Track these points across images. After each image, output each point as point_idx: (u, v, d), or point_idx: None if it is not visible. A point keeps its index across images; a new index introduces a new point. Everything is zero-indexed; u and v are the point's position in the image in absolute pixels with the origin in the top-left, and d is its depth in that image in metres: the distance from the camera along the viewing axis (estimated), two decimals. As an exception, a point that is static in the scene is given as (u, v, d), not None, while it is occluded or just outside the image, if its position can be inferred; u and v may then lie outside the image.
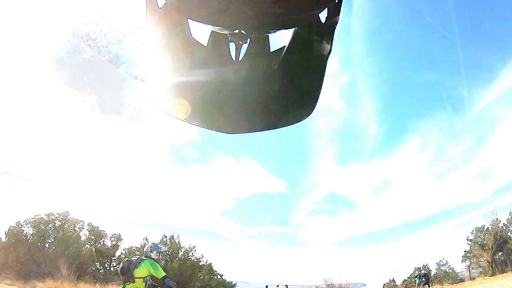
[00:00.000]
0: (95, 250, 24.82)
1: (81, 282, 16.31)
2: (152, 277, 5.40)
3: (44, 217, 24.51)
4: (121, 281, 5.45)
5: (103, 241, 25.64)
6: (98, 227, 25.99)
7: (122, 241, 26.21)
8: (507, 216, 28.67)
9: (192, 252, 24.04)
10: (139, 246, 24.06)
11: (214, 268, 29.37)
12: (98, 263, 25.11)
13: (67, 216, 25.42)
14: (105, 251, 24.99)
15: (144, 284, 5.35)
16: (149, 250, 5.62)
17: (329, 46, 0.91)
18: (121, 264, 5.53)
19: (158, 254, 5.67)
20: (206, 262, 27.32)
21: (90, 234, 25.35)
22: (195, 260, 23.99)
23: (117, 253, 25.69)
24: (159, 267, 5.49)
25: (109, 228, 26.29)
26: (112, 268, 25.34)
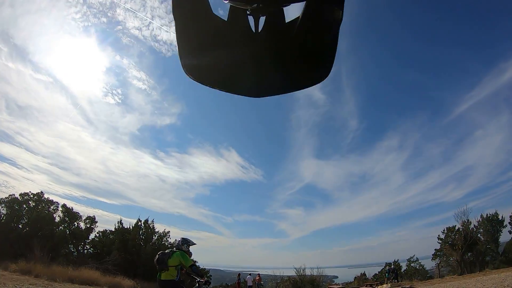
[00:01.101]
0: (69, 232, 24.77)
1: (54, 264, 16.23)
2: (182, 265, 6.52)
3: (18, 197, 24.36)
4: (157, 271, 6.45)
5: (77, 223, 25.59)
6: (72, 208, 26.02)
7: (96, 224, 26.20)
8: (478, 218, 29.38)
9: (166, 237, 24.14)
10: (113, 230, 24.10)
11: (188, 254, 29.96)
12: (72, 246, 25.01)
13: (41, 197, 25.30)
14: (79, 233, 24.91)
15: (176, 271, 6.47)
16: (180, 244, 6.73)
17: (340, 15, 0.99)
18: (156, 256, 6.47)
19: (187, 246, 6.86)
20: (181, 247, 27.72)
21: (64, 216, 25.23)
22: (169, 245, 24.07)
23: (91, 236, 25.74)
24: (188, 257, 6.74)
25: (83, 210, 26.31)
26: (85, 251, 25.40)
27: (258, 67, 1.11)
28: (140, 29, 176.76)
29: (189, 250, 6.90)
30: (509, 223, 29.16)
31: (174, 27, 1.02)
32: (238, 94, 1.15)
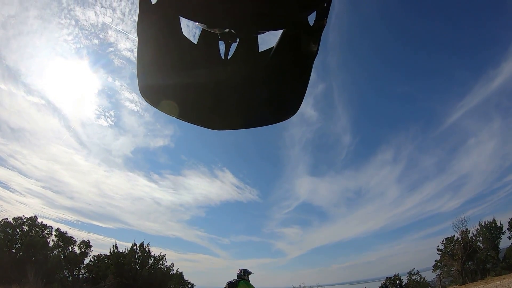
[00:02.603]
0: (64, 256, 24.13)
1: None
2: None
3: (12, 221, 23.85)
4: None
5: (71, 247, 24.99)
6: (66, 232, 25.40)
7: (91, 248, 25.56)
8: (477, 226, 29.38)
9: (162, 260, 23.64)
10: (108, 254, 23.66)
11: (185, 277, 29.20)
12: (67, 270, 24.27)
13: (35, 221, 24.79)
14: (73, 258, 24.28)
15: None
16: (242, 274, 8.18)
17: (316, 49, 0.96)
18: (225, 284, 7.91)
19: (247, 275, 8.25)
20: (177, 271, 27.07)
21: (58, 240, 24.64)
22: (166, 269, 23.62)
23: (86, 260, 25.07)
24: (251, 284, 8.12)
25: (78, 234, 25.87)
26: (80, 276, 24.79)
27: (221, 96, 1.05)
28: (131, 51, 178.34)
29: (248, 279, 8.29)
30: (508, 229, 29.08)
31: (137, 43, 0.95)
32: (195, 124, 1.09)
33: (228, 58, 1.02)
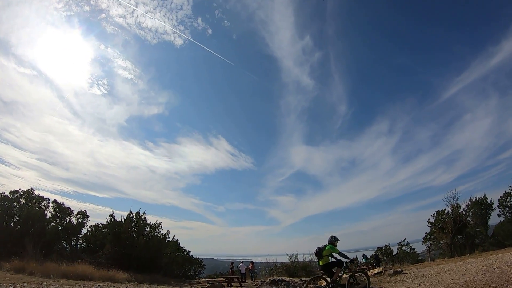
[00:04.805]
0: (61, 227, 24.42)
1: (47, 260, 16.03)
2: (332, 254, 9.54)
3: (9, 195, 23.96)
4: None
5: (69, 218, 25.27)
6: (63, 204, 25.68)
7: (88, 218, 25.94)
8: (467, 202, 29.93)
9: (158, 228, 23.85)
10: (105, 223, 23.90)
11: (181, 245, 29.91)
12: (65, 241, 24.74)
13: (32, 194, 24.91)
14: (71, 228, 24.65)
15: (328, 259, 9.65)
16: (330, 239, 9.77)
17: None
18: (315, 250, 9.87)
19: (336, 242, 9.73)
20: (173, 238, 27.63)
21: (55, 211, 24.88)
22: (162, 237, 23.92)
23: (84, 231, 25.45)
24: (335, 247, 9.52)
25: (74, 205, 25.91)
26: (78, 246, 25.20)
27: None
28: (124, 17, 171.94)
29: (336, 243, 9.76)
30: (498, 206, 29.65)
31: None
32: None
33: None
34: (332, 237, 9.87)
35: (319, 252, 9.70)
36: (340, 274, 9.68)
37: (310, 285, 13.68)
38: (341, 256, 9.49)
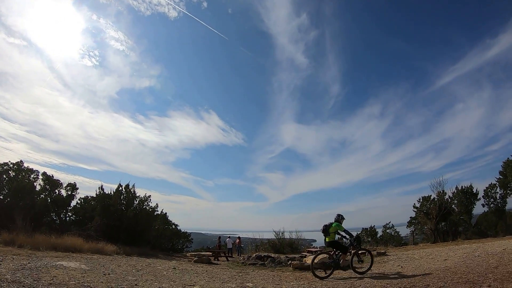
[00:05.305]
0: (51, 200, 24.36)
1: (37, 233, 16.03)
2: (338, 231, 10.24)
3: (-2, 168, 23.57)
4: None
5: (58, 190, 25.15)
6: (53, 176, 25.44)
7: (78, 191, 25.84)
8: (453, 189, 30.50)
9: (147, 201, 23.84)
10: (94, 196, 23.82)
11: (169, 218, 30.07)
12: (54, 214, 24.69)
13: (21, 166, 24.63)
14: (60, 201, 24.56)
15: (334, 235, 10.30)
16: (336, 217, 10.40)
17: None
18: (322, 227, 10.34)
19: (342, 220, 10.41)
20: (162, 212, 27.71)
21: (45, 184, 24.71)
22: (150, 210, 23.92)
23: (73, 203, 25.42)
24: (342, 226, 10.26)
25: (64, 178, 25.66)
26: (68, 218, 25.23)
27: None
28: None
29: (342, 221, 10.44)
30: (483, 196, 30.23)
31: None
32: None
33: None
34: (338, 215, 10.47)
35: (326, 229, 10.24)
36: (347, 259, 10.27)
37: (294, 262, 14.04)
38: (346, 234, 10.23)
